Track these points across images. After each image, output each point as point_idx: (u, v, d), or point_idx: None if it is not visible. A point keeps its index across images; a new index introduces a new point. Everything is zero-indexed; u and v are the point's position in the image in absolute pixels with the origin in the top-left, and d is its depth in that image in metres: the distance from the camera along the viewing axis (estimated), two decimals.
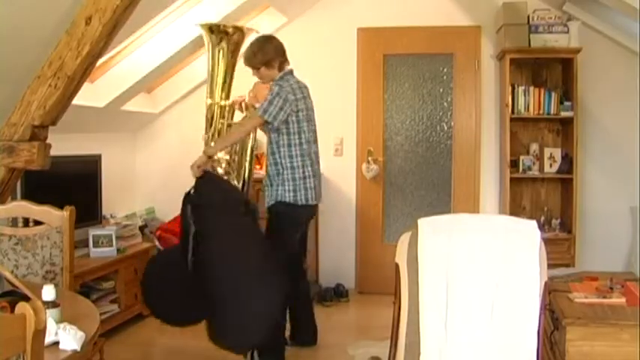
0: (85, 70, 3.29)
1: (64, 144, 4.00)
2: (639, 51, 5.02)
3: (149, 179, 6.21)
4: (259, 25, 5.81)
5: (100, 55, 3.31)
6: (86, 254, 4.48)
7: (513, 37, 5.16)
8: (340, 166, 5.80)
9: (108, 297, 4.54)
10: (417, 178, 5.90)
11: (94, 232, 4.56)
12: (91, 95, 4.80)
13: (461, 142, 5.77)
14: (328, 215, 5.73)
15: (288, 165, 3.95)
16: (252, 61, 4.08)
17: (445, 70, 5.80)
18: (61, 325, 1.86)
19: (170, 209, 5.99)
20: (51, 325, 1.79)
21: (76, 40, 3.13)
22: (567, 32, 5.14)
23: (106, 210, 5.10)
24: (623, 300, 3.20)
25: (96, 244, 4.52)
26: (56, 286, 2.07)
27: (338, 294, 5.56)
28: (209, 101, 4.90)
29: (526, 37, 5.17)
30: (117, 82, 5.00)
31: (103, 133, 5.50)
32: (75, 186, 4.65)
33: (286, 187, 3.95)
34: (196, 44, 5.19)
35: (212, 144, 4.03)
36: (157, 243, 5.71)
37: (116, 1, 2.99)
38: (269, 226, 4.02)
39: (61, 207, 2.98)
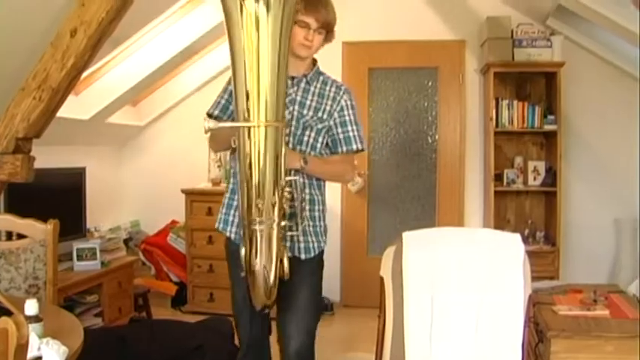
0: (70, 83, 3.27)
1: (48, 157, 3.98)
2: None
3: (134, 192, 6.19)
4: None
5: (85, 67, 3.30)
6: (70, 267, 4.44)
7: (497, 51, 5.20)
8: None
9: (92, 311, 4.50)
10: (402, 192, 5.91)
11: (78, 245, 4.52)
12: (75, 108, 4.79)
13: (445, 155, 5.79)
14: None
15: (323, 199, 2.78)
16: (332, 16, 2.62)
17: (430, 83, 5.83)
18: (44, 340, 1.85)
19: (155, 222, 6.00)
20: (33, 340, 1.78)
21: (60, 53, 3.12)
22: (550, 46, 5.19)
23: (90, 223, 5.07)
24: (606, 312, 3.22)
25: (80, 258, 4.49)
26: (39, 300, 2.05)
27: (323, 307, 5.55)
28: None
29: (510, 51, 5.21)
30: (102, 94, 4.99)
31: (87, 146, 5.48)
32: (59, 199, 4.61)
33: (325, 230, 2.79)
34: (183, 56, 5.19)
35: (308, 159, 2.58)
36: (141, 256, 5.70)
37: (101, 13, 2.99)
38: (314, 284, 2.79)
39: (45, 220, 2.96)
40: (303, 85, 2.69)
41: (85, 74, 3.82)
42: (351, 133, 2.70)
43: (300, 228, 2.50)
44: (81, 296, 4.40)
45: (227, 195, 2.71)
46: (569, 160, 5.44)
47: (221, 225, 2.70)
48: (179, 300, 5.62)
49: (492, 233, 2.59)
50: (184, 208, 5.52)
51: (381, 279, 2.38)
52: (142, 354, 3.58)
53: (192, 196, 5.52)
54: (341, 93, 2.74)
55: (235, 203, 2.64)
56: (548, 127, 5.23)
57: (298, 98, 2.67)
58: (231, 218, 2.67)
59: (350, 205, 5.91)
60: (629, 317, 3.19)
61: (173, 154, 6.12)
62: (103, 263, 4.59)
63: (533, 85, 5.52)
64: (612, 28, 4.50)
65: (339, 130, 2.70)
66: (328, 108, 2.69)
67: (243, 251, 2.33)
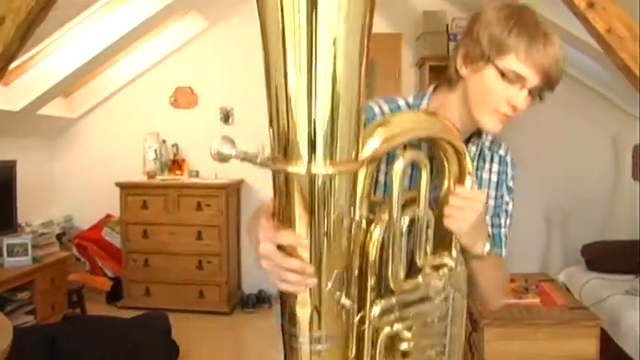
0: None
1: None
2: None
3: (67, 186, 6.05)
4: (180, 28, 5.77)
5: (13, 57, 3.20)
6: (0, 264, 4.33)
7: (432, 45, 5.27)
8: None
9: (23, 308, 4.38)
10: None
11: (8, 241, 4.40)
12: (5, 99, 4.66)
13: None
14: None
15: None
16: (560, 67, 1.34)
17: None
18: None
19: (89, 216, 5.89)
20: None
21: None
22: None
23: (21, 218, 4.93)
24: (537, 300, 3.31)
25: (10, 254, 4.37)
26: None
27: (260, 300, 5.54)
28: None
29: (445, 46, 5.28)
30: (33, 85, 4.85)
31: (18, 138, 5.32)
32: None
33: None
34: (117, 47, 5.09)
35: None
36: (75, 251, 5.59)
37: (31, 1, 2.91)
38: None
39: None
40: (475, 164, 1.47)
41: (14, 64, 3.72)
42: (503, 230, 1.59)
43: None
44: (11, 293, 4.29)
45: None
46: None
47: None
48: (115, 295, 5.53)
49: None
50: (119, 201, 5.43)
51: None
52: (75, 353, 3.50)
53: (127, 189, 5.44)
54: (509, 163, 1.59)
55: None
56: None
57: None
58: None
59: None
60: (557, 304, 3.29)
61: (107, 147, 6.00)
62: (34, 259, 4.48)
63: None
64: None
65: (493, 220, 1.55)
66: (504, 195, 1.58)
67: None
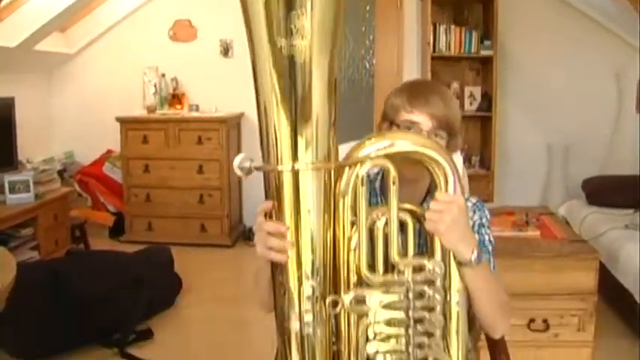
0: None
1: None
2: None
3: (67, 122, 6.03)
4: None
5: None
6: (2, 201, 4.34)
7: None
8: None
9: (27, 244, 4.42)
10: (338, 117, 5.89)
11: (9, 178, 4.41)
12: (0, 35, 4.59)
13: (383, 80, 5.78)
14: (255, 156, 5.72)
15: None
16: (453, 110, 1.66)
17: (368, 8, 5.77)
18: None
19: (90, 152, 5.89)
20: None
21: None
22: None
23: (22, 155, 4.93)
24: (537, 233, 3.33)
25: (12, 191, 4.38)
26: None
27: (246, 236, 5.56)
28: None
29: None
30: (29, 20, 4.78)
31: (15, 75, 5.27)
32: None
33: None
34: None
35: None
36: (76, 187, 5.60)
37: None
38: None
39: None
40: None
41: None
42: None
43: None
44: (15, 230, 4.32)
45: None
46: (505, 86, 5.51)
47: None
48: (117, 230, 5.58)
49: None
50: (119, 136, 5.42)
51: None
52: (78, 288, 3.54)
53: (127, 124, 5.42)
54: (469, 208, 1.63)
55: None
56: (484, 53, 5.26)
57: None
58: None
59: None
60: (557, 238, 3.31)
61: (106, 82, 5.95)
62: (36, 195, 4.50)
63: (470, 10, 5.50)
64: None
65: None
66: None
67: None
